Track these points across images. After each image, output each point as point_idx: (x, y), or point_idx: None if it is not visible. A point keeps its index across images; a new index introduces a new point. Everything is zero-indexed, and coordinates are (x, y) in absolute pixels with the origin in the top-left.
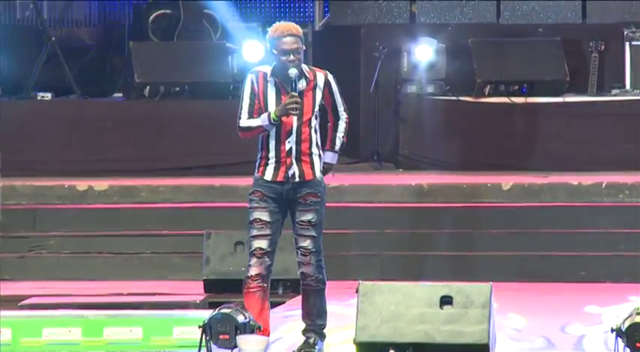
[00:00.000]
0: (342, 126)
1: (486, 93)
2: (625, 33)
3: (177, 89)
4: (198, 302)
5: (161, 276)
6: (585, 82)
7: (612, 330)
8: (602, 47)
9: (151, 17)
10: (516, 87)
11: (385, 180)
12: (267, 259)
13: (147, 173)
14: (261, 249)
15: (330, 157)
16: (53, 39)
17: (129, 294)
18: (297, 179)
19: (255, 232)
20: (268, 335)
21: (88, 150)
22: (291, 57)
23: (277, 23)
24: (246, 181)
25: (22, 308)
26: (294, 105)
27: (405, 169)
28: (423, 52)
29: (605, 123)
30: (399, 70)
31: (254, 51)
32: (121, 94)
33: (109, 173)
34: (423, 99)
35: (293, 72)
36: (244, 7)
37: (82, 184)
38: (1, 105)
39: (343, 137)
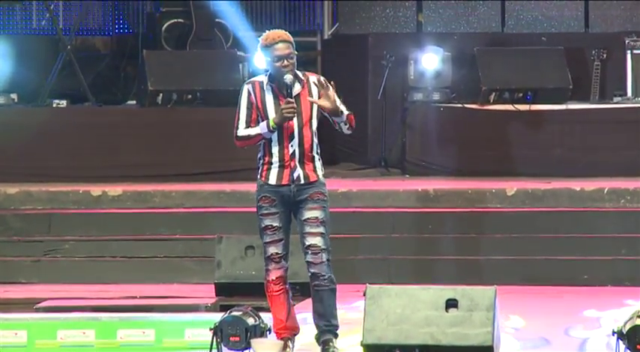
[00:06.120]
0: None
1: (491, 101)
2: (626, 42)
3: (190, 96)
4: (209, 305)
5: (173, 280)
6: (588, 89)
7: (614, 333)
8: (604, 56)
9: (164, 26)
10: (520, 94)
11: (392, 186)
12: (284, 262)
13: (160, 178)
14: (277, 253)
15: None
16: (68, 48)
17: (142, 297)
18: (302, 181)
19: (268, 239)
20: (298, 332)
21: (102, 156)
22: (285, 62)
23: (267, 32)
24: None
25: (38, 310)
26: (290, 110)
27: (411, 175)
28: (430, 61)
29: (607, 130)
30: (406, 77)
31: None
32: (134, 102)
33: (122, 178)
34: (430, 106)
35: (288, 78)
36: (255, 17)
37: (96, 189)
38: (17, 113)
39: (349, 115)
